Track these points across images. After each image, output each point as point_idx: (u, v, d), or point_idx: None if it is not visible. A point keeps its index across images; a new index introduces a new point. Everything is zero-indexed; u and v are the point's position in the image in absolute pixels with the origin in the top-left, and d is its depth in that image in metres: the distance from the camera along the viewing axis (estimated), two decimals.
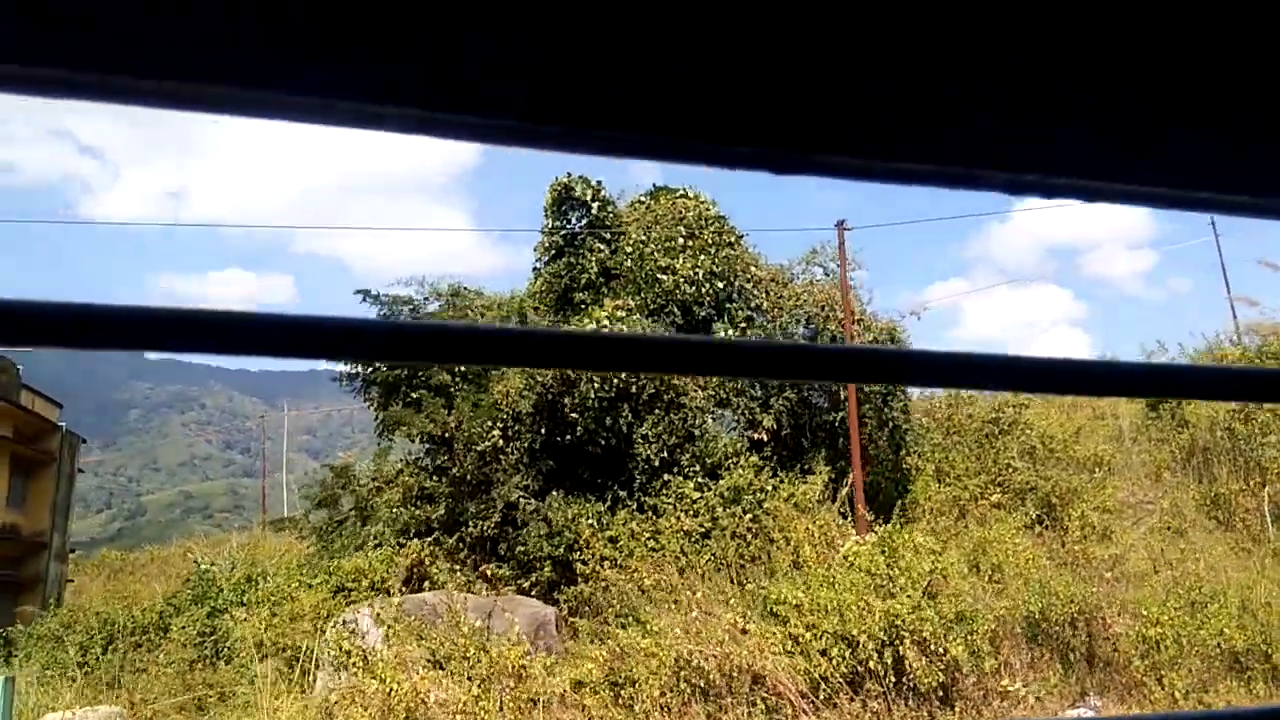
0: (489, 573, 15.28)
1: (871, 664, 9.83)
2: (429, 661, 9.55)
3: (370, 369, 16.60)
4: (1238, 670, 10.86)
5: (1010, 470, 17.66)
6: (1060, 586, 11.63)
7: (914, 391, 21.07)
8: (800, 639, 10.20)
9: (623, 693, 9.74)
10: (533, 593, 15.28)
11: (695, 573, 14.28)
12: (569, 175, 17.79)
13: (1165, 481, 17.67)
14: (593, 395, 15.32)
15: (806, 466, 17.39)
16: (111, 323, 0.45)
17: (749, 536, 15.14)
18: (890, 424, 17.81)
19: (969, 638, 9.94)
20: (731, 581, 13.55)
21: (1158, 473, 18.12)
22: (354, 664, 9.40)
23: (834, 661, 9.83)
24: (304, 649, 12.00)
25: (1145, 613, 10.95)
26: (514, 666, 9.35)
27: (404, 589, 13.53)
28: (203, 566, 17.59)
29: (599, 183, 18.19)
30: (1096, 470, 17.94)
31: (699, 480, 15.89)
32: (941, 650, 9.83)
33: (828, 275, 19.99)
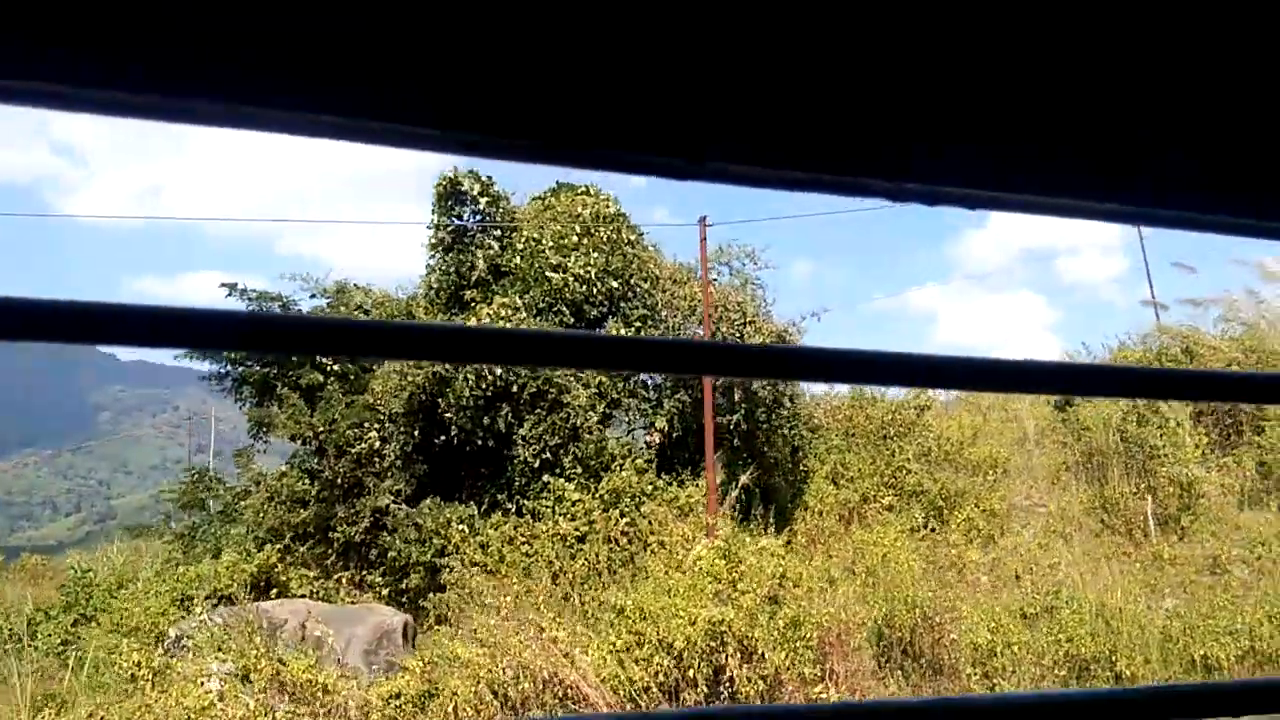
0: (355, 579, 14.87)
1: (691, 673, 9.50)
2: (227, 675, 9.13)
3: (240, 367, 16.14)
4: (1083, 678, 10.60)
5: (904, 473, 17.40)
6: (913, 592, 11.34)
7: (818, 390, 20.83)
8: (625, 647, 9.85)
9: (430, 705, 9.36)
10: (402, 600, 14.89)
11: (567, 578, 13.94)
12: (455, 170, 17.39)
13: (1063, 484, 17.45)
14: (468, 394, 14.94)
15: (701, 469, 17.09)
16: None
17: (623, 541, 14.81)
18: (783, 425, 17.51)
19: (795, 645, 9.63)
20: (589, 587, 13.20)
21: (1056, 475, 17.90)
22: (142, 680, 8.96)
23: (653, 671, 9.48)
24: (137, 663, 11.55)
25: (980, 619, 10.67)
26: (310, 681, 8.94)
27: (250, 597, 13.08)
28: (77, 571, 17.08)
29: (489, 178, 17.81)
30: (991, 473, 17.71)
31: (580, 482, 15.54)
32: (764, 659, 9.51)
33: (733, 274, 19.72)
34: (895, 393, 20.00)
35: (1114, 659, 10.55)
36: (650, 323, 17.61)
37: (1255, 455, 16.41)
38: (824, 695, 9.19)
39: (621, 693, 9.12)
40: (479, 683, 9.24)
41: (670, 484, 16.40)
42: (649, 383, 17.57)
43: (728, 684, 9.42)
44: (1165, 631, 11.08)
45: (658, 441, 17.69)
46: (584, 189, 19.43)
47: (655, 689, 9.31)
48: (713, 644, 9.65)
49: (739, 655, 9.58)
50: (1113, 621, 11.25)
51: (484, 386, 15.07)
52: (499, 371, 14.93)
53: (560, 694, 9.11)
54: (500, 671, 9.14)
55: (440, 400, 15.00)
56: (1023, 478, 18.21)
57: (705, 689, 9.28)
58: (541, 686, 9.28)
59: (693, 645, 9.53)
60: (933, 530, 16.15)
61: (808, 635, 9.80)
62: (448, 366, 14.87)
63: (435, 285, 17.66)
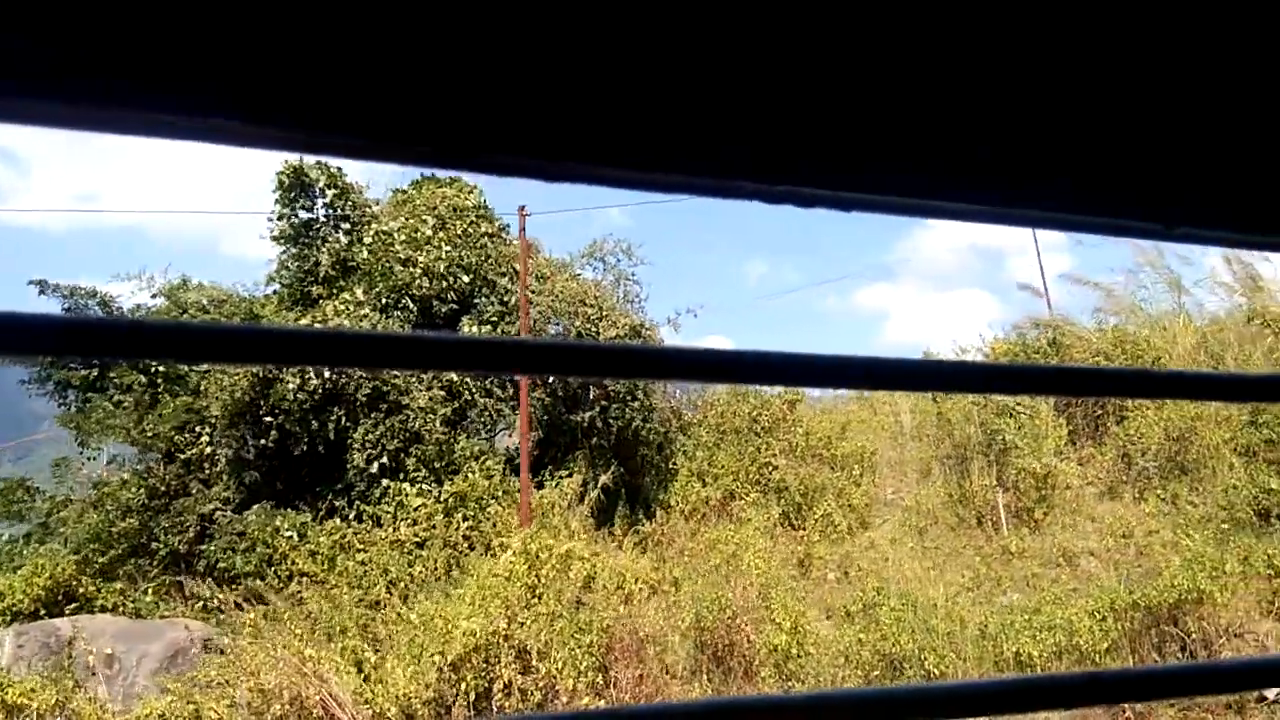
0: (176, 591, 14.08)
1: (464, 686, 8.94)
2: None
3: (63, 369, 15.25)
4: (895, 678, 10.22)
5: (770, 469, 17.02)
6: (740, 591, 10.89)
7: (694, 386, 20.39)
8: (401, 660, 9.26)
9: None
10: (224, 612, 14.13)
11: (399, 586, 13.31)
12: (300, 160, 16.63)
13: (932, 478, 17.18)
14: (291, 396, 14.21)
15: (562, 469, 16.56)
16: None
17: (463, 545, 14.22)
18: (648, 422, 17.03)
19: (577, 653, 9.11)
20: (419, 594, 12.57)
21: (928, 469, 17.64)
22: None
23: (424, 684, 8.90)
24: None
25: (785, 619, 10.24)
26: (24, 706, 8.21)
27: (46, 612, 12.26)
28: None
29: (338, 169, 17.08)
30: (858, 467, 17.40)
31: (424, 487, 14.90)
32: (542, 668, 8.97)
33: (608, 270, 19.22)
34: (771, 388, 19.64)
35: (923, 657, 10.19)
36: (508, 320, 17.03)
37: (1118, 446, 16.27)
38: (598, 703, 8.68)
39: (380, 709, 8.52)
40: (231, 704, 8.58)
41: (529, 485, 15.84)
42: (505, 383, 16.97)
43: (502, 694, 8.87)
44: (983, 628, 10.76)
45: (517, 443, 17.12)
46: (448, 181, 18.79)
47: (419, 705, 8.73)
48: (489, 654, 9.09)
49: (518, 664, 9.04)
50: (932, 618, 10.90)
51: (311, 389, 14.36)
52: (327, 373, 14.23)
53: (310, 716, 8.50)
54: (248, 692, 8.50)
55: (263, 402, 14.26)
56: (894, 472, 17.94)
57: (476, 700, 8.72)
58: (303, 708, 8.65)
59: (467, 656, 8.97)
60: (791, 527, 15.79)
61: (593, 642, 9.29)
62: (271, 368, 14.14)
63: (282, 281, 16.89)
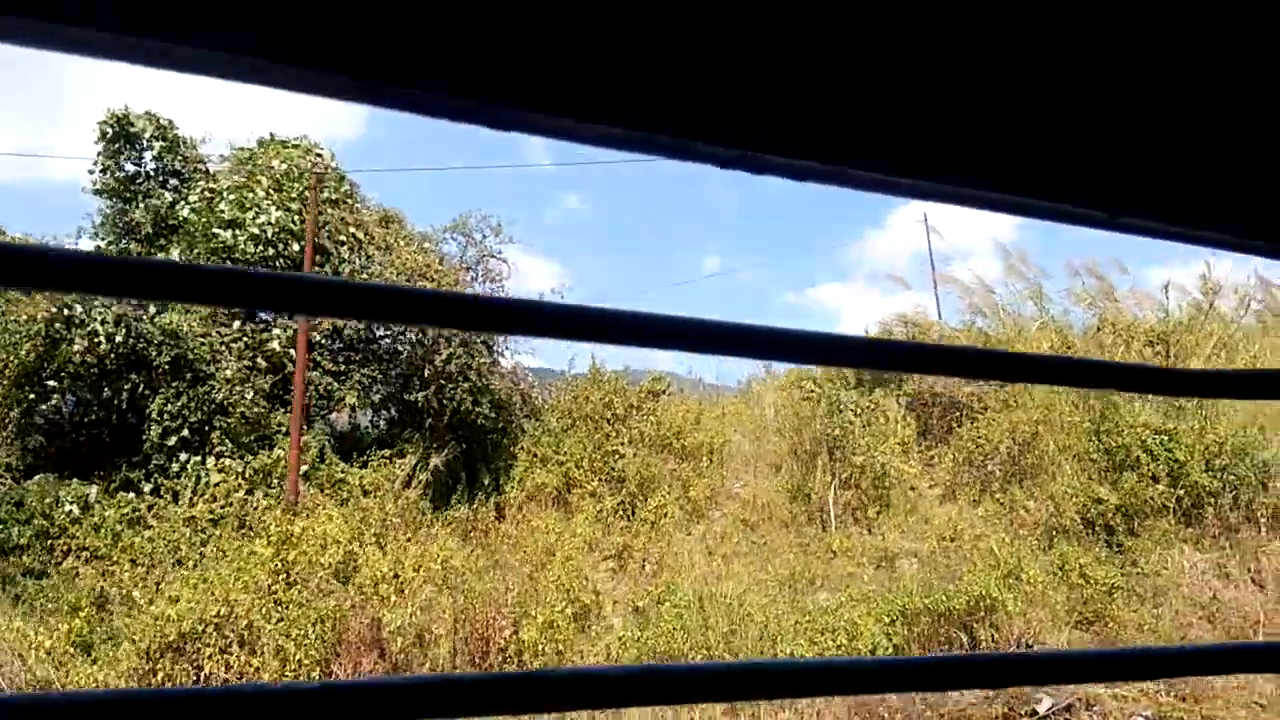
0: None
1: (164, 675, 8.15)
2: None
3: None
4: None
5: (616, 457, 16.41)
6: (497, 583, 10.24)
7: (544, 369, 19.73)
8: (115, 646, 8.44)
9: None
10: (5, 588, 13.12)
11: (187, 566, 12.42)
12: (126, 108, 15.57)
13: (783, 471, 16.70)
14: (79, 360, 13.20)
15: (392, 450, 15.77)
16: None
17: (259, 525, 13.36)
18: (492, 405, 16.30)
19: (288, 643, 8.37)
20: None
21: (781, 462, 17.18)
22: None
23: (123, 670, 8.09)
24: None
25: (542, 615, 9.62)
26: None
27: None
28: None
29: (169, 121, 16.04)
30: (708, 459, 16.89)
31: (228, 462, 14.00)
32: (253, 661, 8.23)
33: (474, 245, 18.43)
34: (634, 372, 19.06)
35: (691, 656, 9.65)
36: None
37: (963, 448, 15.98)
38: None
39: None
40: None
41: (351, 465, 15.05)
42: (339, 357, 16.10)
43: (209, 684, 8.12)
44: (764, 627, 10.26)
45: (347, 420, 16.29)
46: (294, 141, 17.83)
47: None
48: (201, 641, 8.31)
49: (227, 655, 8.27)
50: (715, 616, 10.37)
51: (101, 353, 13.36)
52: (120, 338, 13.26)
53: None
54: None
55: (48, 366, 13.24)
56: (748, 466, 17.46)
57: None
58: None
59: (175, 643, 8.18)
60: (625, 517, 15.20)
61: (321, 634, 8.56)
62: (59, 328, 13.15)
63: (99, 237, 15.81)
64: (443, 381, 15.13)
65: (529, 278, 54.15)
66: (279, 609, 8.98)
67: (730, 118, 0.53)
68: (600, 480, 16.12)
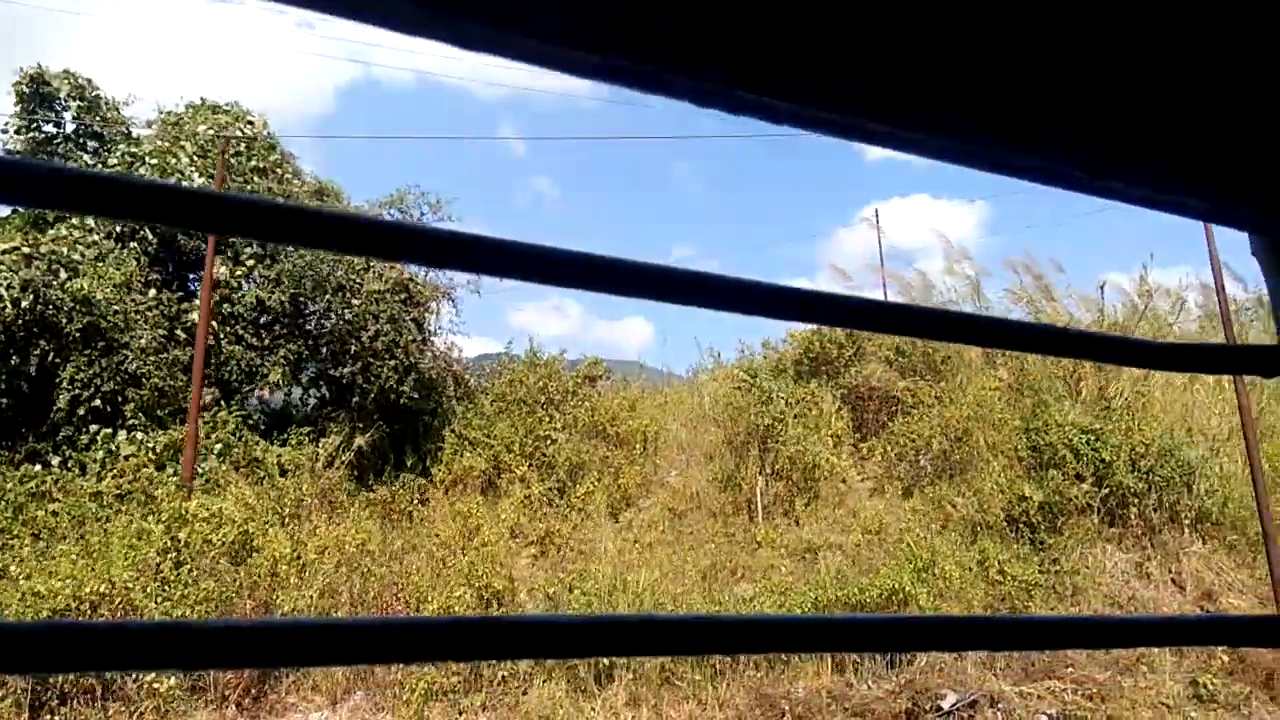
0: None
1: None
2: None
3: None
4: None
5: (548, 442, 16.13)
6: (391, 567, 9.93)
7: (476, 352, 19.38)
8: None
9: None
10: None
11: (89, 541, 11.94)
12: (39, 66, 14.93)
13: (719, 461, 16.51)
14: None
15: (324, 427, 15.36)
16: None
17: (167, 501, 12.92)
18: (425, 386, 15.92)
19: None
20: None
21: (716, 451, 17.00)
22: None
23: None
24: None
25: (436, 599, 9.34)
26: None
27: None
28: None
29: (88, 80, 15.42)
30: (641, 446, 16.67)
31: (140, 435, 13.52)
32: None
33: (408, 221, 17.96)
34: (569, 357, 18.77)
35: None
36: (265, 263, 15.66)
37: (896, 442, 15.91)
38: (156, 685, 7.62)
39: None
40: None
41: (273, 443, 14.63)
42: (261, 331, 15.62)
43: None
44: None
45: (270, 396, 15.83)
46: (226, 106, 17.28)
47: None
48: (73, 617, 7.91)
49: None
50: (624, 604, 10.16)
51: (7, 320, 12.81)
52: (27, 304, 12.71)
53: None
54: None
55: None
56: (685, 454, 17.26)
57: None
58: None
59: (40, 617, 7.76)
60: (552, 504, 14.94)
61: (198, 614, 8.21)
62: None
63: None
64: (370, 359, 14.73)
65: None
66: (164, 589, 8.60)
67: (710, 54, 0.51)
68: (530, 465, 15.84)
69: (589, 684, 9.03)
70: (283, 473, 13.99)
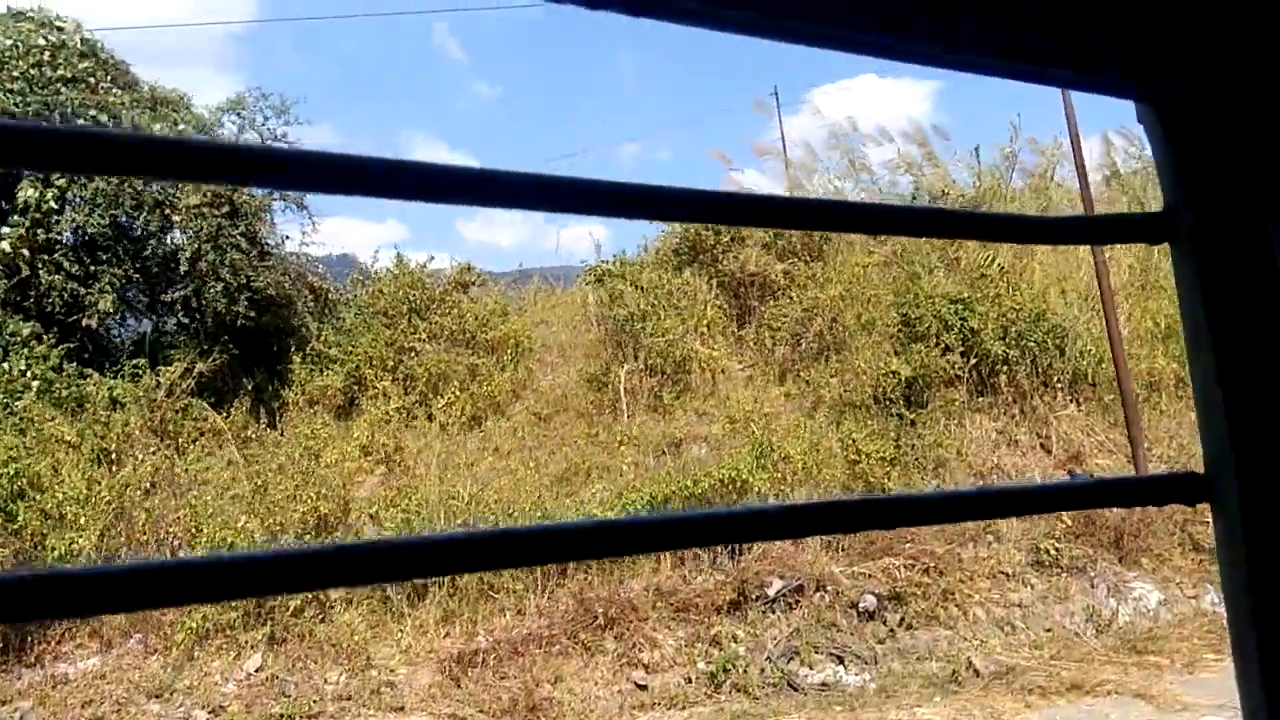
0: None
1: None
2: None
3: None
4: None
5: (411, 354, 15.35)
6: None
7: (351, 267, 18.41)
8: None
9: None
10: None
11: None
12: None
13: (588, 362, 15.88)
14: None
15: (164, 355, 14.41)
16: None
17: None
18: (273, 303, 14.96)
19: None
20: None
21: (595, 353, 16.35)
22: None
23: None
24: None
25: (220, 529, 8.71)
26: None
27: None
28: None
29: None
30: (513, 352, 15.98)
31: None
32: None
33: (252, 128, 16.67)
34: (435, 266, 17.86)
35: None
36: (80, 185, 14.35)
37: (769, 327, 15.41)
38: None
39: None
40: None
41: (105, 375, 13.66)
42: (84, 258, 14.44)
43: None
44: (512, 522, 9.55)
45: (99, 325, 14.78)
46: (30, 14, 15.65)
47: None
48: None
49: None
50: (459, 514, 9.63)
51: None
52: None
53: None
54: None
55: None
56: (563, 357, 16.59)
57: None
58: None
59: None
60: (413, 417, 14.27)
61: None
62: None
63: None
64: (201, 281, 13.71)
65: None
66: None
67: None
68: (394, 380, 15.09)
69: (399, 605, 8.55)
70: (116, 406, 13.12)
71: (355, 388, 15.09)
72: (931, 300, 14.06)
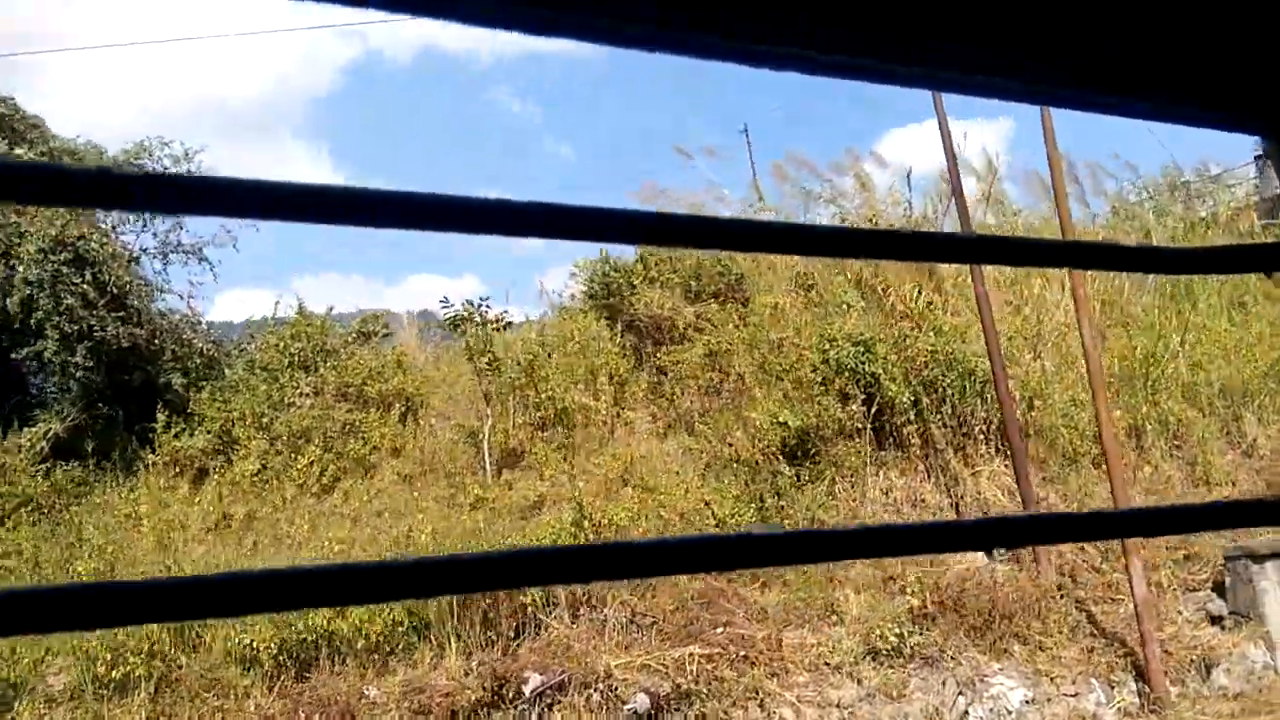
0: None
1: None
2: None
3: None
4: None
5: (289, 408, 14.34)
6: None
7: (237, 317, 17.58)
8: None
9: None
10: None
11: None
12: None
13: (472, 416, 14.65)
14: None
15: (14, 415, 13.64)
16: None
17: None
18: (95, 362, 14.00)
19: None
20: None
21: (475, 405, 15.08)
22: None
23: None
24: None
25: None
26: None
27: None
28: None
29: None
30: (398, 405, 14.86)
31: None
32: None
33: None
34: (345, 314, 16.96)
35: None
36: None
37: (667, 376, 14.13)
38: None
39: None
40: None
41: None
42: None
43: None
44: None
45: None
46: None
47: None
48: None
49: None
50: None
51: None
52: None
53: None
54: None
55: None
56: (460, 410, 15.41)
57: None
58: None
59: None
60: (271, 479, 13.19)
61: None
62: None
63: None
64: (37, 332, 12.91)
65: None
66: None
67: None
68: (267, 438, 14.05)
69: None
70: None
71: (230, 448, 14.06)
72: (837, 344, 12.65)
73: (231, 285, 52.25)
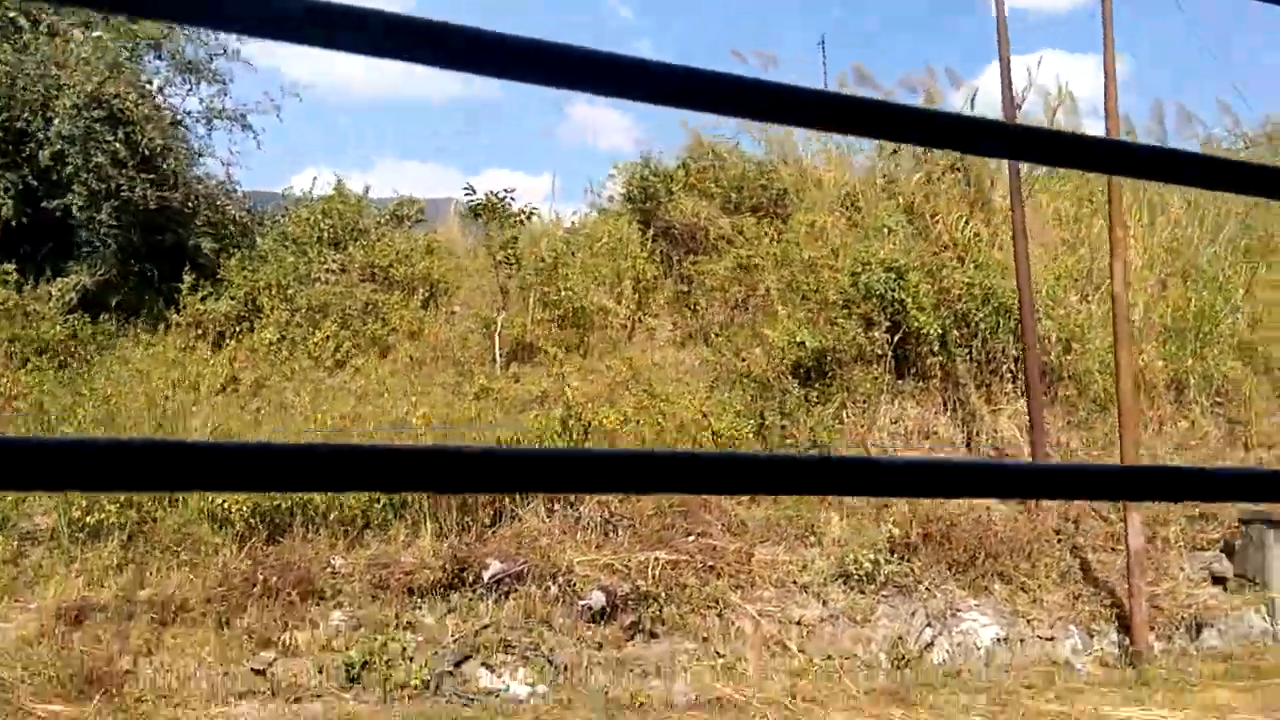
0: None
1: None
2: None
3: None
4: None
5: (313, 283, 14.36)
6: None
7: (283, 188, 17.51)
8: None
9: None
10: None
11: None
12: None
13: (489, 307, 14.49)
14: None
15: (51, 266, 13.87)
16: None
17: None
18: (129, 222, 14.18)
19: None
20: None
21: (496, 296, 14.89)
22: None
23: None
24: None
25: None
26: None
27: None
28: None
29: None
30: (422, 291, 14.77)
31: None
32: None
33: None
34: (380, 197, 16.83)
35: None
36: None
37: (683, 285, 13.79)
38: None
39: None
40: None
41: None
42: None
43: None
44: None
45: None
46: None
47: None
48: None
49: None
50: None
51: None
52: None
53: None
54: None
55: None
56: (486, 299, 15.28)
57: None
58: None
59: None
60: (285, 350, 13.26)
61: None
62: None
63: None
64: (66, 188, 12.98)
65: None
66: None
67: None
68: (289, 309, 14.10)
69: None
70: None
71: (254, 315, 14.16)
72: (870, 268, 12.13)
73: (313, 162, 52.08)
